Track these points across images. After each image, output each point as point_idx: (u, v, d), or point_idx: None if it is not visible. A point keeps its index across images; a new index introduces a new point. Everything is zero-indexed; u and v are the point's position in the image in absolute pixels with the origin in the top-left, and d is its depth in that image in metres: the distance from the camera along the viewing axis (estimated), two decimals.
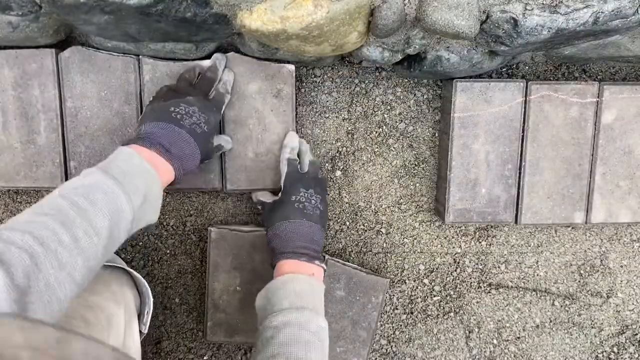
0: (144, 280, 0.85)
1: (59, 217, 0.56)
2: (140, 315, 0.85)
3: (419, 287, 1.01)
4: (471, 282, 1.01)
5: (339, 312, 0.93)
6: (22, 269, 0.50)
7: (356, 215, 0.99)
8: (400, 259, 1.00)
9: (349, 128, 0.96)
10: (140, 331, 0.83)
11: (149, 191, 0.66)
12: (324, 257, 0.87)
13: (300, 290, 0.72)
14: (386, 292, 0.96)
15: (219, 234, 0.88)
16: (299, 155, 0.86)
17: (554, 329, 1.03)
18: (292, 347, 0.66)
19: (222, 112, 0.84)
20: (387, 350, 1.02)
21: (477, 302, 1.01)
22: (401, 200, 0.99)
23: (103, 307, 0.73)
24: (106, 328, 0.71)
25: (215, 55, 0.84)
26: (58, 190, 0.60)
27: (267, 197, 0.85)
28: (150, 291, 0.85)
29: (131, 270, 0.85)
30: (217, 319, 0.92)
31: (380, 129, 0.96)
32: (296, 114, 0.89)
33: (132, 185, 0.63)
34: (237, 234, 0.88)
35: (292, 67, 0.87)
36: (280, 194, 0.82)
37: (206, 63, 0.84)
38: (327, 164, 0.97)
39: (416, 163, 0.98)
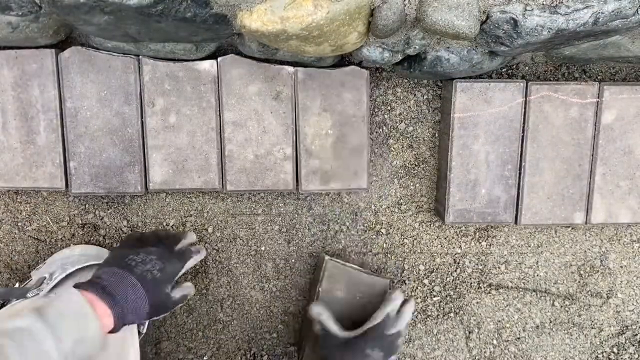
0: None
1: None
2: None
3: (419, 288, 1.01)
4: (471, 283, 1.01)
5: None
6: None
7: (356, 215, 0.99)
8: (400, 259, 1.00)
9: None
10: (138, 331, 0.83)
11: (84, 334, 0.65)
12: None
13: None
14: (386, 292, 0.96)
15: (304, 73, 0.82)
16: (399, 311, 0.85)
17: (554, 329, 1.03)
18: None
19: (184, 267, 0.80)
20: None
21: (477, 303, 1.01)
22: (401, 200, 0.99)
23: None
24: None
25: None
26: None
27: (334, 326, 0.82)
28: None
29: None
30: (311, 167, 0.90)
31: (381, 129, 0.96)
32: (296, 116, 0.89)
33: (63, 329, 0.63)
34: (324, 72, 0.83)
35: (291, 69, 0.87)
36: (361, 332, 0.81)
37: (189, 238, 0.84)
38: None
39: (416, 163, 0.98)
